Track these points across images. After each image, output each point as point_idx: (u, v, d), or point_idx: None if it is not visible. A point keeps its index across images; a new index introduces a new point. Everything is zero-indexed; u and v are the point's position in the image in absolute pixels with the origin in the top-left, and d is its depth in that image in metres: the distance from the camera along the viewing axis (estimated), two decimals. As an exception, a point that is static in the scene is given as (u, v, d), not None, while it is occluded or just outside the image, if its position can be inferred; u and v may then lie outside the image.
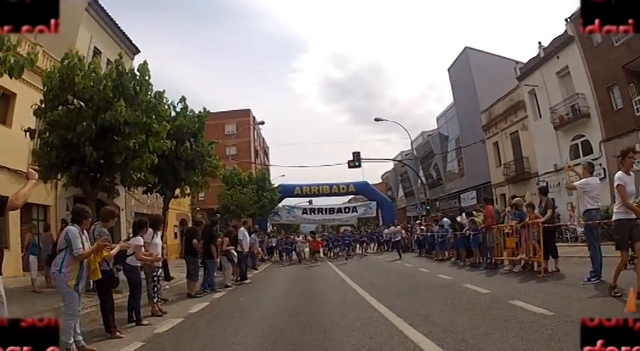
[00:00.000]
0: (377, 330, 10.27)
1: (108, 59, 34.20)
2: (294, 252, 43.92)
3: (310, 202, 77.39)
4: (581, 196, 14.71)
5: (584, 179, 14.37)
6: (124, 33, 40.61)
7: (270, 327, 11.65)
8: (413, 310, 12.11)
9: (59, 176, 20.73)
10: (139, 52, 43.22)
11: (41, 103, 19.46)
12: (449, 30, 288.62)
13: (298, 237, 46.68)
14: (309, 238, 48.47)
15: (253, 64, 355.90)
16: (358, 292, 17.46)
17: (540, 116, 46.82)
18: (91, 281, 11.46)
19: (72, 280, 9.41)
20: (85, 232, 9.98)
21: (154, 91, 21.62)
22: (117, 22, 39.23)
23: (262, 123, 71.27)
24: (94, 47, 35.44)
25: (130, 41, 41.83)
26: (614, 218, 11.23)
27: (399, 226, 43.52)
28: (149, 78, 20.45)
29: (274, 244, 47.54)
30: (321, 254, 44.80)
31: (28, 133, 19.89)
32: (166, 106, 23.44)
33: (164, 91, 23.16)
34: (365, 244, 51.21)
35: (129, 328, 12.11)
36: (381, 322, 11.11)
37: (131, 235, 13.50)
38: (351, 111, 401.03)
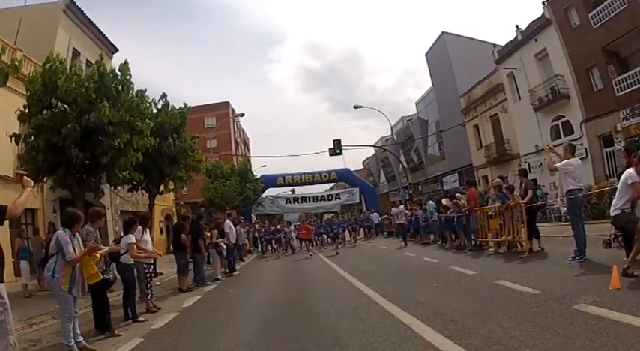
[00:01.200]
0: (368, 314, 10.56)
1: (87, 60, 34.48)
2: (280, 242, 41.80)
3: (293, 191, 77.51)
4: (563, 176, 14.86)
5: (565, 160, 14.64)
6: (101, 33, 40.72)
7: (264, 317, 11.90)
8: (401, 294, 12.42)
9: (46, 180, 20.81)
10: (117, 51, 43.28)
11: (25, 108, 19.55)
12: (425, 15, 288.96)
13: (289, 227, 42.71)
14: (296, 224, 47.84)
15: (230, 57, 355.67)
16: (347, 278, 17.71)
17: (520, 98, 47.24)
18: (86, 284, 11.26)
19: (65, 284, 9.50)
20: (76, 235, 10.14)
21: (135, 90, 21.84)
22: (94, 23, 39.35)
23: (242, 115, 71.36)
24: (73, 48, 35.49)
25: (108, 40, 41.81)
26: (620, 212, 11.27)
27: (401, 207, 38.08)
28: (130, 77, 20.54)
29: (256, 235, 44.90)
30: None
31: (13, 139, 19.74)
32: (148, 104, 23.83)
33: (145, 89, 23.59)
34: (355, 232, 46.15)
35: (126, 326, 12.28)
36: (372, 307, 11.40)
37: (121, 234, 13.70)
38: (330, 99, 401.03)
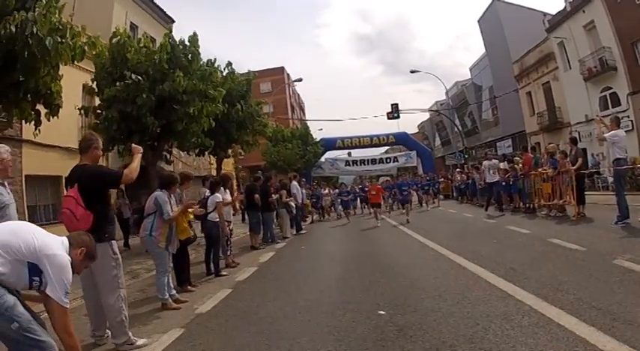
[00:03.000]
0: (437, 264, 12.08)
1: (145, 32, 34.18)
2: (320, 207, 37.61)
3: (349, 154, 77.19)
4: (610, 146, 15.99)
5: (612, 131, 15.72)
6: (157, 5, 40.69)
7: (341, 268, 13.14)
8: (465, 248, 13.70)
9: (118, 148, 21.23)
10: (173, 21, 43.17)
11: (92, 82, 20.47)
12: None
13: (325, 190, 40.72)
14: (364, 184, 44.24)
15: (278, 22, 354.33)
16: (412, 236, 18.83)
17: (570, 68, 46.98)
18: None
19: (162, 241, 10.15)
20: (172, 196, 10.81)
21: (205, 60, 22.77)
22: None
23: (300, 80, 68.30)
24: (130, 22, 35.58)
25: (164, 12, 41.93)
26: None
27: (494, 160, 27.42)
28: (199, 48, 21.29)
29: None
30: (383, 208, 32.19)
31: (82, 111, 20.86)
32: (218, 73, 24.57)
33: (215, 59, 24.56)
34: (428, 195, 40.15)
35: (210, 280, 13.25)
36: (440, 259, 12.86)
37: (207, 195, 14.47)
38: (382, 63, 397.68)
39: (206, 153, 29.69)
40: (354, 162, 72.30)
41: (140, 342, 7.39)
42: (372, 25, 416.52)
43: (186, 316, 9.07)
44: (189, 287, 11.82)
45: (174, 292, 10.55)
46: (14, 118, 12.87)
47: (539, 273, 9.59)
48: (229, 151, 30.20)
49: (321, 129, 79.29)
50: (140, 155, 8.21)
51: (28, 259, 4.77)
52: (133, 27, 35.42)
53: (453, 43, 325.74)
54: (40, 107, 12.86)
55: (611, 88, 41.71)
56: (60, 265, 4.85)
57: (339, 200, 39.01)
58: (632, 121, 38.08)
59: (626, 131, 25.67)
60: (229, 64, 28.43)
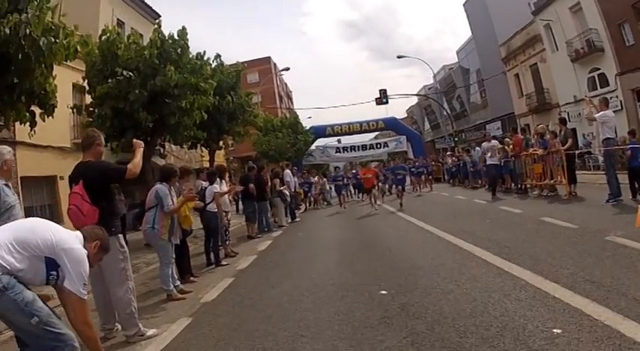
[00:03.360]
0: (434, 245, 12.52)
1: (132, 28, 34.45)
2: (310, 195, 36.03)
3: (339, 141, 76.89)
4: (600, 126, 16.51)
5: (602, 111, 16.24)
6: (142, 0, 41.17)
7: (339, 253, 13.50)
8: (460, 229, 14.11)
9: (112, 144, 20.85)
10: (159, 16, 42.00)
11: (83, 80, 20.63)
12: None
13: (314, 177, 38.34)
14: (354, 170, 44.56)
15: (263, 11, 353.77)
16: (406, 219, 19.24)
17: (557, 49, 47.27)
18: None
19: (165, 233, 10.33)
20: (172, 188, 10.94)
21: (194, 53, 23.10)
22: None
23: (287, 69, 70.03)
24: (117, 19, 35.61)
25: (150, 7, 42.21)
26: None
27: (494, 141, 26.20)
28: (187, 41, 21.45)
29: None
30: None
31: (74, 110, 21.21)
32: (208, 66, 24.70)
33: (205, 52, 25.17)
34: (420, 179, 38.60)
35: (211, 270, 13.51)
36: (436, 240, 13.33)
37: (204, 186, 14.74)
38: (369, 49, 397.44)
39: (198, 145, 30.02)
40: (345, 148, 72.19)
41: (150, 332, 7.57)
42: (359, 11, 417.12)
43: (192, 306, 9.27)
44: (191, 278, 12.03)
45: (178, 282, 10.80)
46: (10, 120, 12.97)
47: (533, 250, 9.92)
48: (221, 142, 30.48)
49: (310, 117, 79.76)
50: (142, 149, 8.42)
51: (46, 255, 4.90)
52: (120, 23, 35.40)
53: (439, 27, 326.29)
54: (34, 108, 12.93)
55: (599, 69, 41.97)
56: (77, 258, 5.01)
57: (331, 187, 39.44)
58: (620, 101, 38.47)
59: (615, 111, 26.11)
60: (218, 56, 28.75)
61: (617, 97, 38.52)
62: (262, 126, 49.23)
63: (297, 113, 71.58)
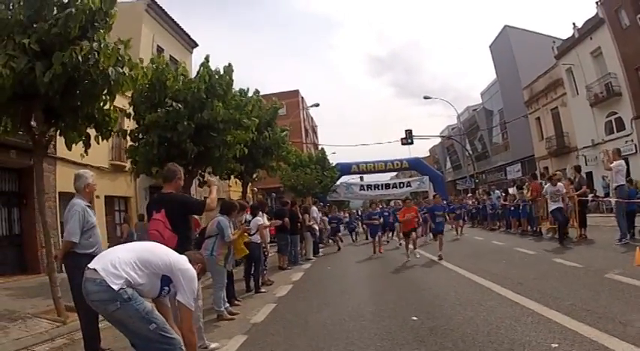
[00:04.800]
0: (455, 281, 13.92)
1: (171, 56, 35.63)
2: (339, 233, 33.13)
3: (361, 178, 77.93)
4: (614, 175, 18.15)
5: (616, 161, 18.02)
6: (182, 29, 42.06)
7: (371, 285, 15.09)
8: (478, 267, 15.47)
9: (153, 171, 21.43)
10: (197, 45, 44.77)
11: (130, 106, 20.57)
12: (485, 5, 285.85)
13: (343, 213, 39.14)
14: (393, 203, 38.00)
15: (292, 45, 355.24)
16: (429, 257, 20.16)
17: (578, 93, 48.28)
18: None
19: (221, 260, 11.30)
20: (231, 221, 12.10)
21: (237, 89, 24.41)
22: (175, 20, 40.60)
23: (317, 105, 69.44)
24: (157, 45, 36.69)
25: (188, 36, 43.24)
26: None
27: (560, 184, 20.93)
28: (233, 78, 22.21)
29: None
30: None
31: (119, 134, 21.38)
32: (251, 103, 25.62)
33: (248, 89, 26.83)
34: (461, 220, 34.11)
35: (251, 296, 14.63)
36: (457, 277, 14.68)
37: (247, 219, 15.48)
38: (394, 85, 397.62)
39: (232, 177, 30.78)
40: (369, 186, 73.44)
41: (213, 345, 8.66)
42: (386, 47, 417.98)
43: (243, 326, 10.31)
44: (235, 302, 12.99)
45: (227, 304, 11.82)
46: (71, 141, 13.75)
47: (542, 286, 11.38)
48: (254, 175, 31.42)
49: (335, 153, 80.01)
50: (216, 187, 9.33)
51: (163, 272, 5.84)
52: (159, 50, 36.21)
53: (465, 66, 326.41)
54: (89, 130, 13.28)
55: (616, 113, 43.09)
56: (191, 277, 6.06)
57: (362, 227, 37.54)
58: (635, 144, 39.60)
59: (630, 154, 27.52)
60: (257, 92, 29.33)
61: (632, 140, 39.77)
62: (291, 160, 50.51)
63: (324, 148, 72.23)
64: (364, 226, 35.38)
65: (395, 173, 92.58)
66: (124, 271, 5.51)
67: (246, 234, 13.43)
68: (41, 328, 10.34)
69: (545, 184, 23.27)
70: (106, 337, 8.85)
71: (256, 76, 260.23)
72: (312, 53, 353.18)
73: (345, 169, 70.30)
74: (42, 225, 12.58)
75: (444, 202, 33.59)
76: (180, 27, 41.79)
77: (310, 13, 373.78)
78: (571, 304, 9.21)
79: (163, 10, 38.52)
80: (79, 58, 10.51)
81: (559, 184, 20.14)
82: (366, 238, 32.03)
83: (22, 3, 10.66)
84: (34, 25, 10.54)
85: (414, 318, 9.53)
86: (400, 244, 26.44)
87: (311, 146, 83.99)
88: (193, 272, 6.16)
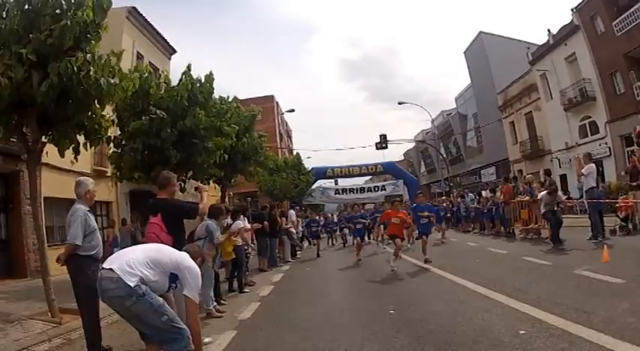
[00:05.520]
0: (429, 278, 14.88)
1: (150, 62, 35.25)
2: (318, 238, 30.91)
3: (336, 182, 78.75)
4: (584, 179, 19.24)
5: (586, 166, 19.13)
6: (161, 36, 42.15)
7: (350, 283, 15.97)
8: (453, 266, 16.15)
9: (136, 176, 21.60)
10: (175, 52, 44.89)
11: (113, 113, 20.18)
12: (461, 8, 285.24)
13: (318, 217, 36.49)
14: (377, 208, 40.22)
15: (268, 50, 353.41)
16: (405, 258, 20.34)
17: (552, 98, 49.00)
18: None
19: (209, 261, 11.56)
20: (219, 224, 12.74)
21: (218, 96, 24.77)
22: (155, 27, 40.74)
23: (292, 111, 70.63)
24: (137, 52, 36.73)
25: (167, 43, 43.46)
26: None
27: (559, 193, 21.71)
28: (213, 86, 22.71)
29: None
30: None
31: (105, 140, 22.08)
32: (230, 111, 26.17)
33: (228, 97, 27.27)
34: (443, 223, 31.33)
35: (234, 296, 14.99)
36: (431, 274, 15.49)
37: (229, 222, 15.67)
38: (368, 89, 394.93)
39: (211, 182, 30.74)
40: (344, 190, 74.68)
41: (206, 340, 8.87)
42: (360, 51, 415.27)
43: (232, 322, 10.82)
44: (221, 301, 13.39)
45: (215, 303, 12.24)
46: (64, 149, 13.71)
47: (512, 281, 12.10)
48: (232, 180, 31.84)
49: (310, 157, 79.82)
50: (207, 193, 9.82)
51: (171, 270, 6.41)
52: (139, 56, 36.90)
53: (439, 69, 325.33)
54: (78, 137, 13.39)
55: (590, 117, 43.85)
56: (196, 273, 6.62)
57: (345, 230, 35.15)
58: (609, 147, 40.37)
59: (604, 157, 28.41)
60: (235, 98, 29.94)
61: (606, 143, 40.65)
62: (271, 166, 50.99)
63: (299, 152, 72.41)
64: (346, 228, 33.66)
65: (369, 177, 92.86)
66: (138, 270, 6.10)
67: (234, 238, 14.16)
68: (38, 329, 10.59)
69: (520, 188, 25.14)
70: (105, 336, 9.22)
71: (232, 81, 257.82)
72: (287, 59, 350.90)
73: (320, 173, 71.27)
74: (35, 229, 13.01)
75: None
76: (159, 34, 42.06)
77: (288, 18, 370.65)
78: (538, 296, 9.89)
79: (143, 17, 38.72)
80: (75, 68, 10.85)
81: (558, 193, 20.39)
82: (343, 243, 33.82)
83: (16, 11, 10.93)
84: (30, 36, 10.80)
85: (392, 311, 10.20)
86: (383, 248, 27.03)
87: (286, 151, 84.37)
88: (197, 269, 6.72)
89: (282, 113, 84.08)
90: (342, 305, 11.87)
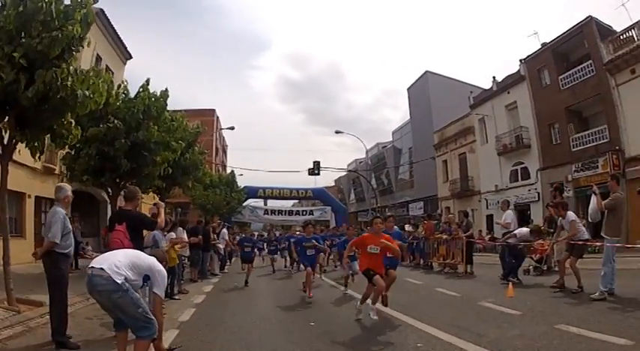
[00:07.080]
0: (346, 301, 15.99)
1: (107, 65, 36.80)
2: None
3: (265, 202, 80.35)
4: (503, 224, 21.33)
5: (505, 212, 21.36)
6: (121, 40, 42.94)
7: (275, 297, 17.43)
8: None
9: (85, 178, 22.86)
10: (131, 57, 46.08)
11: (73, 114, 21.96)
12: (408, 39, 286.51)
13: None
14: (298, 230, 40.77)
15: (216, 62, 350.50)
16: (326, 280, 21.95)
17: (487, 142, 51.44)
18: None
19: None
20: (164, 234, 14.72)
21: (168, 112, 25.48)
22: (117, 31, 41.44)
23: (232, 128, 69.66)
24: (97, 54, 37.30)
25: (125, 48, 44.35)
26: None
27: (524, 229, 20.52)
28: (167, 102, 24.13)
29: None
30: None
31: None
32: (181, 127, 27.52)
33: (180, 115, 28.19)
34: None
35: (170, 302, 15.22)
36: (348, 298, 16.62)
37: (164, 234, 16.01)
38: (307, 112, 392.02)
39: (150, 192, 30.74)
40: (272, 211, 76.51)
41: None
42: (303, 72, 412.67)
43: (173, 323, 11.75)
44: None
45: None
46: (36, 152, 13.76)
47: (420, 308, 13.51)
48: (170, 192, 32.60)
49: (242, 175, 79.68)
50: (163, 208, 11.24)
51: (146, 272, 7.66)
52: (98, 58, 37.64)
53: (380, 98, 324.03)
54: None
55: (522, 163, 46.32)
56: (163, 275, 7.87)
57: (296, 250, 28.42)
58: (538, 192, 42.85)
59: (532, 202, 30.68)
60: (182, 116, 29.77)
61: (535, 189, 43.24)
62: (207, 182, 52.23)
63: (231, 169, 74.17)
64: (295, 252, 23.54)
65: (297, 200, 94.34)
66: (123, 271, 7.35)
67: (178, 248, 16.35)
68: (-1, 316, 11.28)
69: (441, 226, 27.58)
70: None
71: (177, 89, 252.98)
72: (234, 73, 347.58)
73: (252, 192, 72.33)
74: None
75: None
76: (119, 38, 42.69)
77: (242, 31, 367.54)
78: (442, 321, 11.17)
79: (108, 19, 39.47)
80: (60, 78, 11.79)
81: (524, 229, 20.27)
82: (289, 266, 30.13)
83: (11, 10, 11.61)
84: (22, 40, 11.62)
85: (312, 323, 11.69)
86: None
87: (220, 166, 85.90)
88: (164, 271, 8.07)
89: (222, 129, 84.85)
90: (268, 315, 13.40)
